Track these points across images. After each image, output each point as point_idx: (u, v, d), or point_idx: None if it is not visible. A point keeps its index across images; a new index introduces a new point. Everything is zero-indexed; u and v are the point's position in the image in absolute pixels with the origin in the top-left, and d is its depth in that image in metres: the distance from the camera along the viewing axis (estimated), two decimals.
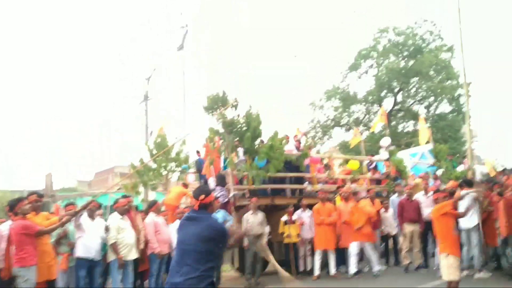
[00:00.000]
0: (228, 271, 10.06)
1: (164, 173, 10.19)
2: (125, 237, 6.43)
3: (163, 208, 8.38)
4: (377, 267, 8.49)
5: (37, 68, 67.88)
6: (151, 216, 7.47)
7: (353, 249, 8.41)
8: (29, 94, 66.96)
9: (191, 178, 11.13)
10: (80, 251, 6.33)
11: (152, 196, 10.32)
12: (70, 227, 6.34)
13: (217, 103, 9.25)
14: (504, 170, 12.68)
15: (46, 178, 10.14)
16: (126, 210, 6.82)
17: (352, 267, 8.37)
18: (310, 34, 59.45)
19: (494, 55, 54.47)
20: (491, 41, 56.64)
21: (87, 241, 6.35)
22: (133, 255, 6.53)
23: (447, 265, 5.54)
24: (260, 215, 8.41)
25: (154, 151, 10.09)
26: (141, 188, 10.03)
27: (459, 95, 24.72)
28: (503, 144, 52.18)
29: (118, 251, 6.39)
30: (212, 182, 9.19)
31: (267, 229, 8.51)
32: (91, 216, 6.57)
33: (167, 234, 7.40)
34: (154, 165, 10.10)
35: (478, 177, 10.94)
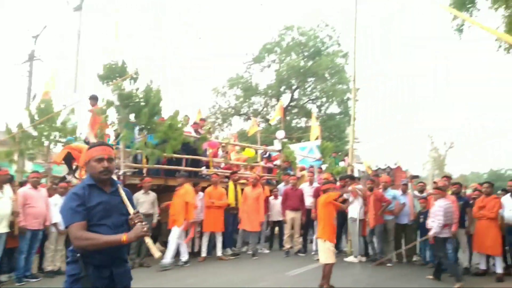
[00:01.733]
0: None
1: (46, 143, 9.19)
2: None
3: None
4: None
5: None
6: (24, 188, 6.75)
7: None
8: None
9: None
10: None
11: (29, 167, 9.29)
12: None
13: (114, 73, 8.60)
14: (378, 169, 14.32)
15: None
16: (6, 180, 6.04)
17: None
18: (217, 18, 59.09)
19: (383, 65, 60.65)
20: (383, 51, 62.97)
21: None
22: (2, 228, 5.82)
23: (324, 250, 6.06)
24: (152, 195, 8.18)
25: (36, 117, 9.03)
26: (16, 157, 8.93)
27: (348, 99, 27.07)
28: (379, 147, 58.75)
29: None
30: None
31: (155, 211, 8.31)
32: None
33: (40, 208, 6.74)
34: (35, 133, 9.04)
35: (356, 174, 12.19)
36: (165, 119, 8.86)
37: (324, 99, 28.37)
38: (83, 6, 15.12)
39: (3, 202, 5.86)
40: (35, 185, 6.91)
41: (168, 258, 7.69)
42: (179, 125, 8.87)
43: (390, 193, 8.95)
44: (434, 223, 6.86)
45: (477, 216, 7.50)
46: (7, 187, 6.03)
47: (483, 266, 7.61)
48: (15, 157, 8.75)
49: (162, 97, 8.71)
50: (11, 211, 5.99)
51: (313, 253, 8.87)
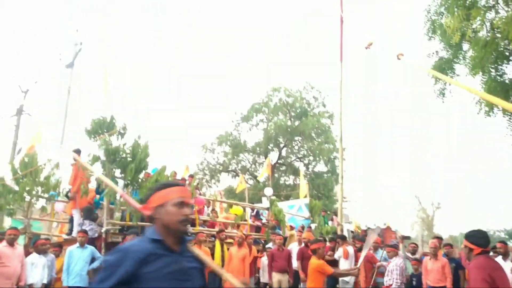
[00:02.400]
0: None
1: (27, 198, 8.90)
2: None
3: None
4: None
5: None
6: None
7: None
8: None
9: (59, 207, 9.97)
10: None
11: (8, 222, 8.90)
12: None
13: (102, 128, 8.58)
14: (367, 229, 14.10)
15: None
16: None
17: None
18: (206, 77, 60.93)
19: (368, 124, 62.34)
20: (368, 111, 65.00)
21: None
22: None
23: None
24: None
25: (19, 172, 8.82)
26: None
27: (335, 158, 27.37)
28: (368, 206, 58.61)
29: None
30: (76, 214, 8.36)
31: None
32: None
33: (14, 267, 6.34)
34: (16, 188, 8.77)
35: (345, 233, 11.95)
36: (151, 174, 8.72)
37: (311, 158, 28.65)
38: (75, 63, 15.45)
39: None
40: (12, 243, 6.55)
41: None
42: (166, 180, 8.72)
43: (380, 253, 8.72)
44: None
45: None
46: None
47: None
48: None
49: (149, 153, 8.64)
50: None
51: None
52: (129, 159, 8.51)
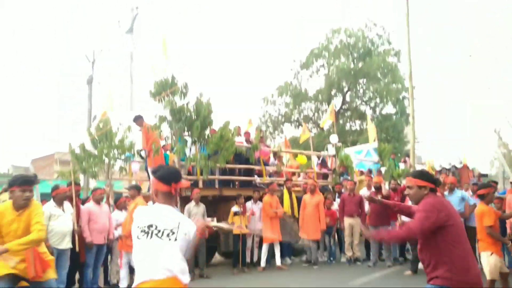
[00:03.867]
0: None
1: (106, 160, 9.61)
2: (56, 225, 5.94)
3: None
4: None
5: None
6: (88, 204, 7.05)
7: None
8: None
9: (135, 167, 10.65)
10: None
11: (92, 184, 9.73)
12: None
13: (165, 89, 8.82)
14: (441, 170, 13.44)
15: None
16: (65, 197, 6.31)
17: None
18: (263, 28, 59.72)
19: (438, 61, 57.86)
20: (436, 46, 60.07)
21: None
22: (65, 244, 6.05)
23: (489, 264, 5.27)
24: (202, 207, 8.18)
25: (96, 137, 9.50)
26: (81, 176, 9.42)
27: (403, 98, 25.93)
28: (441, 146, 55.68)
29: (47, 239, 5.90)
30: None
31: (208, 220, 8.29)
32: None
33: (102, 223, 6.98)
34: (95, 151, 9.50)
35: None
36: (216, 130, 8.91)
37: (378, 100, 27.38)
38: (134, 28, 15.80)
39: (65, 219, 6.09)
40: (99, 201, 7.18)
41: None
42: (230, 136, 8.86)
43: (458, 194, 8.27)
44: None
45: None
46: (67, 204, 6.28)
47: None
48: (78, 175, 9.22)
49: (212, 109, 8.78)
50: (72, 228, 6.22)
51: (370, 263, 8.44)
52: (193, 117, 8.74)
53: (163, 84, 8.82)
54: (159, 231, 2.64)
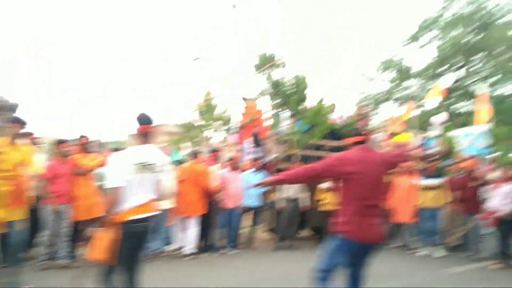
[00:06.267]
0: (262, 232, 10.27)
1: (210, 131, 10.35)
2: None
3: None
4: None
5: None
6: (223, 170, 7.88)
7: None
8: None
9: (233, 138, 11.25)
10: None
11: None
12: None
13: (268, 63, 9.13)
14: None
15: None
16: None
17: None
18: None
19: None
20: None
21: None
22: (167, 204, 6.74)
23: None
24: None
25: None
26: (187, 144, 10.29)
27: None
28: None
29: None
30: (245, 144, 9.22)
31: (304, 195, 8.46)
32: None
33: (237, 188, 7.82)
34: (202, 122, 10.30)
35: None
36: (307, 107, 8.98)
37: (497, 78, 24.43)
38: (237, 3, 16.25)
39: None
40: (235, 168, 7.87)
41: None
42: (327, 111, 8.85)
43: None
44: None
45: None
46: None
47: None
48: (186, 143, 10.10)
49: (307, 85, 8.84)
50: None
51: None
52: (292, 91, 8.91)
53: (267, 57, 9.14)
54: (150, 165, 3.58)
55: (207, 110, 9.78)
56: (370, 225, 3.37)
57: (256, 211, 8.33)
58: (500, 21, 24.09)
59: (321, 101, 8.81)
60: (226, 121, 10.15)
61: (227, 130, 10.59)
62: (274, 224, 8.92)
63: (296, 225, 8.41)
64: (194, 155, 7.49)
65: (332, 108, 9.52)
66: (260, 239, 9.29)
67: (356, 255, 3.49)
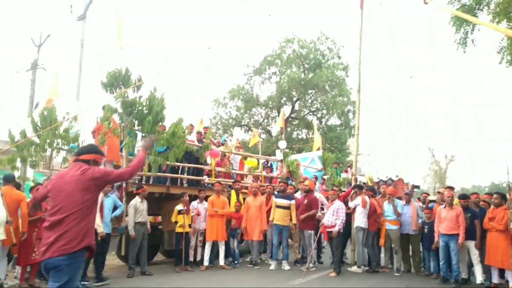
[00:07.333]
0: (113, 259, 9.51)
1: (49, 150, 9.12)
2: None
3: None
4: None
5: None
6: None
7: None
8: None
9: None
10: None
11: (30, 173, 9.23)
12: None
13: (117, 81, 8.61)
14: (379, 181, 14.27)
15: None
16: None
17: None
18: (219, 30, 59.71)
19: (383, 78, 61.10)
20: (383, 64, 63.47)
21: None
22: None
23: None
24: (145, 203, 8.09)
25: (39, 124, 9.00)
26: (19, 164, 8.89)
27: (348, 111, 27.17)
28: (380, 160, 58.89)
29: None
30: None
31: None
32: None
33: None
34: (37, 140, 8.99)
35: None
36: (166, 127, 8.85)
37: (324, 111, 28.46)
38: (87, 15, 15.21)
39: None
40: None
41: None
42: (182, 133, 8.83)
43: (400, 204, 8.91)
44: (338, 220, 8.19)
45: (487, 227, 7.20)
46: None
47: (495, 280, 7.16)
48: (17, 164, 8.71)
49: (165, 105, 8.70)
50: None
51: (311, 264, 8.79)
52: (145, 111, 8.61)
53: (116, 75, 8.61)
54: None
55: (47, 123, 8.65)
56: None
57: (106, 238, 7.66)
58: (330, 62, 28.36)
59: (179, 122, 8.75)
60: (70, 140, 9.12)
61: (70, 149, 9.53)
62: (125, 251, 8.36)
63: (147, 251, 8.02)
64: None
65: (189, 130, 9.57)
66: (110, 267, 8.59)
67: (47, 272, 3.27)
